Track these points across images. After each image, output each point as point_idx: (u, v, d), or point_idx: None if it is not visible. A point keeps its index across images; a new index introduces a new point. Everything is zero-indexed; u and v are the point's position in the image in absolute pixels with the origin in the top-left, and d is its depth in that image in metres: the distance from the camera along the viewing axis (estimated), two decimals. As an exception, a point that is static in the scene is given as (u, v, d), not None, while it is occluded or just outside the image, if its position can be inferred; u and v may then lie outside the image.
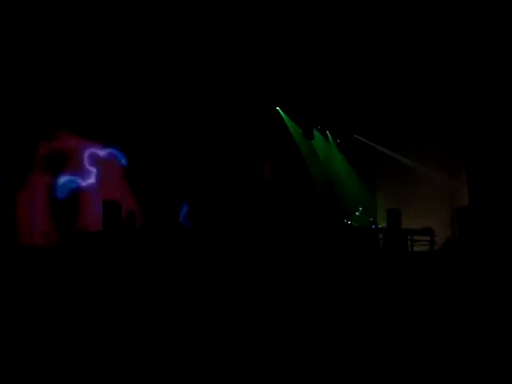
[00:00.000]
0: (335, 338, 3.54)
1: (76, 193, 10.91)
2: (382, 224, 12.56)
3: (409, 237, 11.36)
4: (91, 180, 11.25)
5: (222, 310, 4.77)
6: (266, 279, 7.25)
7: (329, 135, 14.49)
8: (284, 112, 13.95)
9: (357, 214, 12.85)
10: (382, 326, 3.91)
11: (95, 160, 11.34)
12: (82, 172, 11.09)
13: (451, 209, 12.37)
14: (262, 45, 10.20)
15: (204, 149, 13.00)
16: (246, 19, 9.26)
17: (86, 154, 11.20)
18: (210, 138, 12.93)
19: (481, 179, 11.65)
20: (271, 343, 3.46)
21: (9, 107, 9.45)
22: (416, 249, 11.18)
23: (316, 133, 14.27)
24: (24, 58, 9.31)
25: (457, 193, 12.27)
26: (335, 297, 5.57)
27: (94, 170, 11.27)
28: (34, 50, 9.29)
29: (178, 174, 12.56)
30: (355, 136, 13.98)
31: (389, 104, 12.76)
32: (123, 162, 11.95)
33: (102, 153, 11.53)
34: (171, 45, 10.08)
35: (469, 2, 8.91)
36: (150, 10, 8.90)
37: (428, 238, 10.88)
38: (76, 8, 8.57)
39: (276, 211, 12.67)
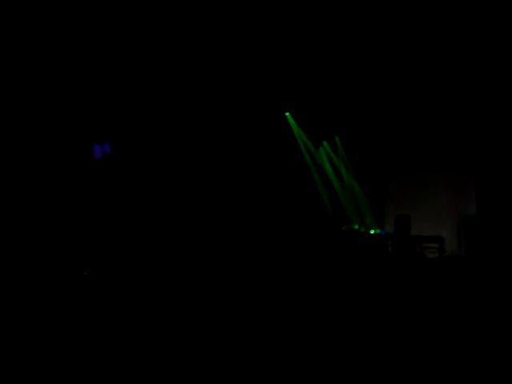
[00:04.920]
0: (339, 341, 3.55)
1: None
2: (390, 231, 12.56)
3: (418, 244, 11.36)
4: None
5: (234, 313, 4.77)
6: (273, 283, 7.26)
7: (337, 141, 14.48)
8: (293, 118, 13.98)
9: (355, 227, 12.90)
10: (385, 331, 3.92)
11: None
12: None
13: (459, 217, 12.36)
14: (273, 52, 10.28)
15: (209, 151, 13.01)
16: (262, 27, 9.35)
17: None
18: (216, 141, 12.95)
19: (490, 188, 11.67)
20: (277, 344, 3.47)
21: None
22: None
23: (324, 143, 14.30)
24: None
25: (465, 201, 12.27)
26: (342, 302, 5.57)
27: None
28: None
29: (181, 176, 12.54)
30: (365, 143, 13.97)
31: (398, 113, 12.80)
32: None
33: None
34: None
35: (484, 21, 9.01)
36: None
37: (437, 246, 10.88)
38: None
39: (280, 217, 12.68)
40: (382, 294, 6.17)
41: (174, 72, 10.81)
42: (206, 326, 4.14)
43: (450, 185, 12.42)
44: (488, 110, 11.46)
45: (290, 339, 3.70)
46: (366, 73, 11.00)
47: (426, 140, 12.78)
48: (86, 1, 8.49)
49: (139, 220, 11.14)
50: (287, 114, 13.88)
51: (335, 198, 14.08)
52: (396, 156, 13.33)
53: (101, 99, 10.91)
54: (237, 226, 12.28)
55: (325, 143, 14.33)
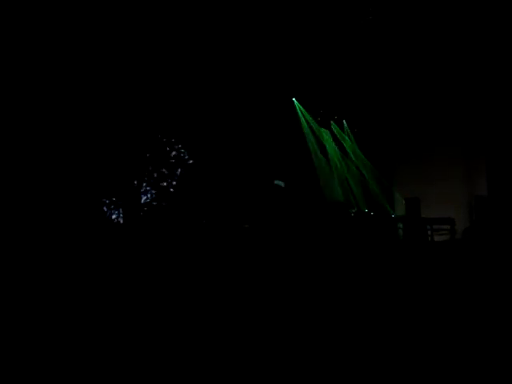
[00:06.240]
0: (353, 327, 3.57)
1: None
2: (401, 213, 12.53)
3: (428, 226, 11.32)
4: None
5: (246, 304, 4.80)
6: (282, 269, 7.30)
7: (345, 125, 14.39)
8: (300, 103, 13.89)
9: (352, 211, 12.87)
10: (400, 318, 3.92)
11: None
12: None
13: (470, 198, 12.29)
14: (281, 38, 10.22)
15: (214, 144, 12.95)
16: (268, 15, 9.29)
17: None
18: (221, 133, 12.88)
19: (500, 168, 11.57)
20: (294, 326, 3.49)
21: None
22: (436, 238, 11.14)
23: (333, 125, 14.21)
24: None
25: (476, 182, 12.19)
26: (355, 288, 5.58)
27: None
28: None
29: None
30: (373, 126, 13.86)
31: (408, 96, 12.69)
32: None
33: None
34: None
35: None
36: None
37: (448, 227, 10.83)
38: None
39: (283, 207, 12.66)
40: (392, 278, 6.17)
41: (181, 56, 10.75)
42: (207, 313, 4.17)
43: (461, 166, 12.33)
44: (498, 91, 11.31)
45: (301, 318, 3.73)
46: (375, 55, 10.89)
47: (436, 121, 12.67)
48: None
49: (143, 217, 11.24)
50: (294, 99, 13.81)
51: (343, 181, 14.03)
52: (405, 138, 13.23)
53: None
54: (244, 210, 12.32)
55: (333, 126, 14.23)
